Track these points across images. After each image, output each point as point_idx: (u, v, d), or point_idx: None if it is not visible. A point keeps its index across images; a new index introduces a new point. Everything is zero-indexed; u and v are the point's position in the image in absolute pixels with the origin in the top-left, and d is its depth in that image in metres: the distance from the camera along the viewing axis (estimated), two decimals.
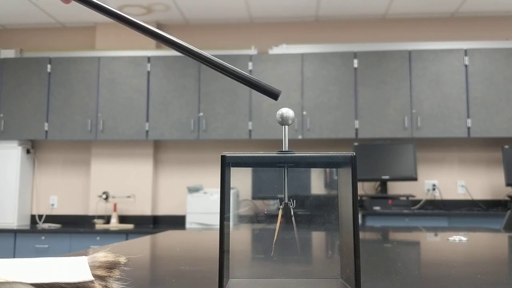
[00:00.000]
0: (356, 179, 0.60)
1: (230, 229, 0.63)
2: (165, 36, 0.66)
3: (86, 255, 0.59)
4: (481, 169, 4.61)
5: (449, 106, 4.28)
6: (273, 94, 0.66)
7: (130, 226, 4.44)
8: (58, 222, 4.71)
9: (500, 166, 4.50)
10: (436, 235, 1.87)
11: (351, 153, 0.61)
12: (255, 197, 4.23)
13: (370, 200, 4.20)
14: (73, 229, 4.29)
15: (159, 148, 4.84)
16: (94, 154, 4.76)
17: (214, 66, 0.66)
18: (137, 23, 0.66)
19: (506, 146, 4.25)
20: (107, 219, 4.63)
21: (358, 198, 2.45)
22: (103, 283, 0.56)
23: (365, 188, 4.62)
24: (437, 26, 4.79)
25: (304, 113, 4.34)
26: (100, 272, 0.56)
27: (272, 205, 4.37)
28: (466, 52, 4.32)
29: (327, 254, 1.16)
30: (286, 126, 0.65)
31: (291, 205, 0.64)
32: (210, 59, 0.66)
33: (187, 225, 4.30)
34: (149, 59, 4.53)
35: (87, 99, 4.53)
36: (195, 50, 0.66)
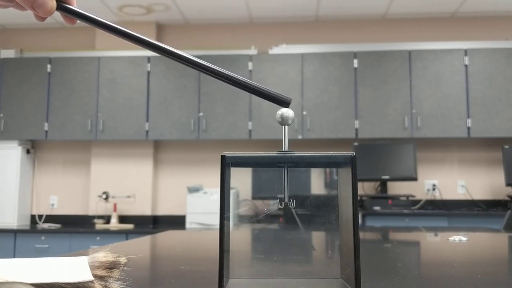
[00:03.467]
0: (356, 179, 0.60)
1: (230, 229, 0.62)
2: (163, 47, 0.64)
3: (86, 255, 0.59)
4: (481, 169, 4.61)
5: (449, 106, 4.28)
6: (283, 102, 0.64)
7: (130, 226, 4.44)
8: (58, 222, 4.71)
9: (500, 166, 4.50)
10: (436, 235, 1.87)
11: (351, 153, 0.61)
12: (255, 197, 4.24)
13: (370, 200, 4.20)
14: (73, 229, 4.29)
15: (159, 148, 4.84)
16: (94, 154, 4.76)
17: (216, 75, 0.65)
18: (134, 35, 0.65)
19: (506, 146, 4.25)
20: (107, 219, 4.63)
21: (358, 198, 2.45)
22: (103, 283, 0.56)
23: (365, 188, 4.62)
24: (437, 26, 4.79)
25: (304, 113, 4.34)
26: (100, 272, 0.56)
27: (272, 205, 4.37)
28: (466, 52, 4.32)
29: (327, 254, 1.16)
30: (286, 126, 0.65)
31: (291, 205, 0.64)
32: (211, 68, 0.65)
33: (187, 225, 4.30)
34: (149, 59, 4.53)
35: (87, 99, 4.53)
36: (195, 59, 0.65)
